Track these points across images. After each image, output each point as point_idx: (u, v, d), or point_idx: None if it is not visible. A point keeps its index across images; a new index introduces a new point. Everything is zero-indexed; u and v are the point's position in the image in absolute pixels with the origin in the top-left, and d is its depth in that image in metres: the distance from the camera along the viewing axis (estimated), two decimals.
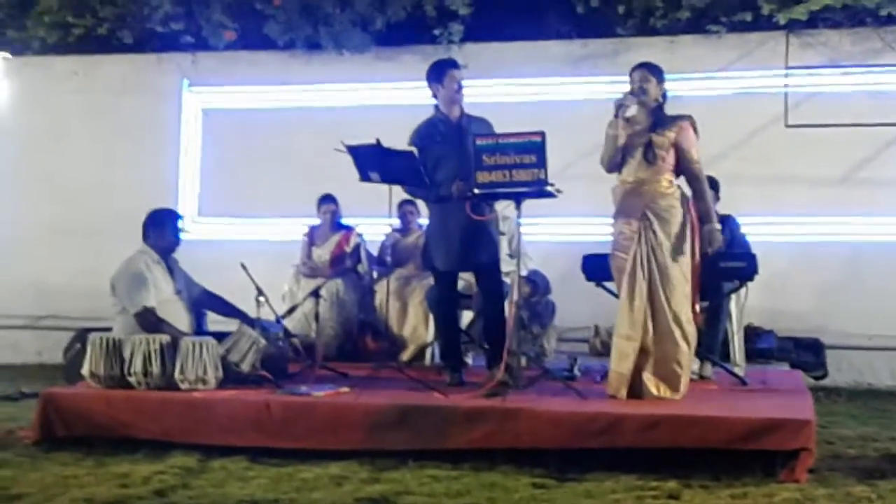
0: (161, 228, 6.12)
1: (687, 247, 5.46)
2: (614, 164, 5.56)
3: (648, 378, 5.39)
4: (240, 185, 9.15)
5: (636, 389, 5.39)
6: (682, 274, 5.42)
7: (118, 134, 9.42)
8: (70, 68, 9.64)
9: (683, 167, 5.52)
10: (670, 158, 5.49)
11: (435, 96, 6.05)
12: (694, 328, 5.48)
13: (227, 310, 6.22)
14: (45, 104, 9.65)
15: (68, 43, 9.68)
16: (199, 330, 6.10)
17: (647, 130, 5.50)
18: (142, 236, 6.10)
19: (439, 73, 6.01)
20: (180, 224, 6.23)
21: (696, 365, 6.20)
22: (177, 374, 5.50)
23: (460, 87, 5.99)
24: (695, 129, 5.56)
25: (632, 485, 4.55)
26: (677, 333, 5.37)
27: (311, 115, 9.09)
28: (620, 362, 5.41)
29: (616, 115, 5.46)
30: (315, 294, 6.68)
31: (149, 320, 5.80)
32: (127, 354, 5.56)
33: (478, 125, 5.96)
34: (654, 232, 5.40)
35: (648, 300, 5.38)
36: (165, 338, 5.59)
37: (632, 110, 5.50)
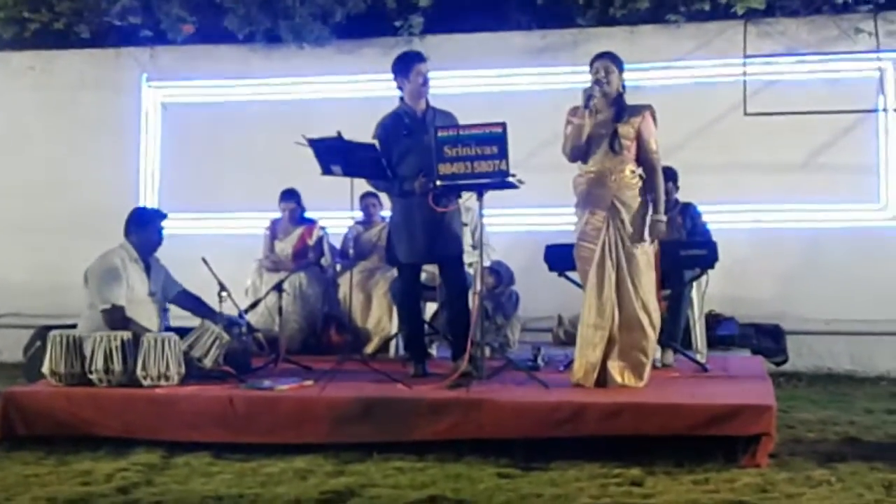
0: (144, 227, 6.09)
1: (648, 235, 5.51)
2: (579, 153, 5.55)
3: (613, 366, 5.42)
4: (201, 179, 9.08)
5: (601, 378, 5.42)
6: (648, 262, 5.48)
7: (76, 129, 9.33)
8: (26, 64, 9.53)
9: (642, 157, 5.55)
10: (634, 148, 5.52)
11: (400, 88, 6.04)
12: (659, 316, 5.54)
13: (201, 309, 6.16)
14: (2, 100, 9.53)
15: (24, 38, 9.56)
16: (164, 327, 6.06)
17: (612, 120, 5.52)
18: (123, 232, 6.06)
19: (405, 66, 5.99)
20: (164, 224, 6.18)
21: (657, 353, 6.25)
22: (139, 371, 5.47)
23: (426, 82, 5.98)
24: (654, 119, 5.59)
25: (595, 472, 4.58)
26: (645, 321, 5.42)
27: (271, 109, 9.04)
28: (588, 351, 5.44)
29: (586, 106, 5.44)
30: (278, 288, 6.67)
31: (115, 318, 5.75)
32: (88, 352, 5.51)
33: (443, 118, 5.95)
34: (622, 221, 5.43)
35: (616, 289, 5.42)
36: (127, 334, 5.54)
37: (595, 100, 5.51)
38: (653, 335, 5.47)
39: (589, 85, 5.49)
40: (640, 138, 5.52)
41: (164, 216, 6.27)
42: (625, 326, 5.43)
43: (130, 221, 6.10)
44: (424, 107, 6.02)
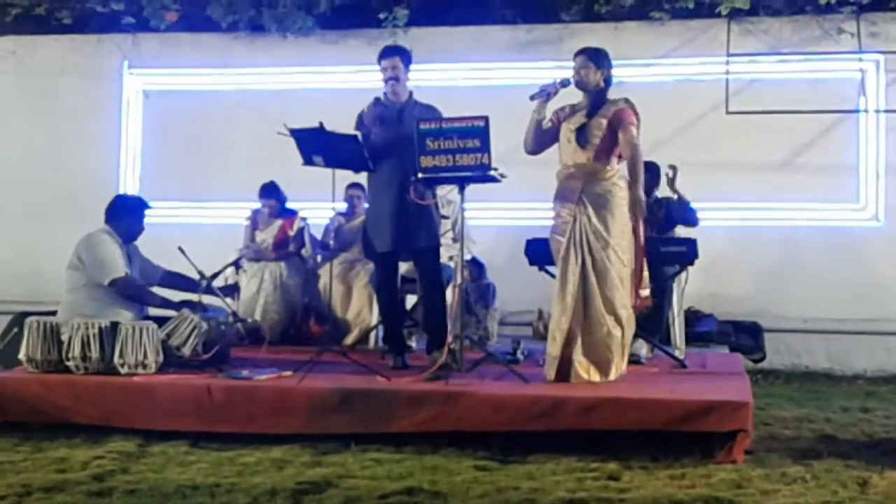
0: (129, 215, 6.07)
1: (628, 230, 5.51)
2: (533, 146, 5.67)
3: (579, 361, 5.42)
4: (182, 167, 9.05)
5: (563, 371, 5.43)
6: (618, 258, 5.45)
7: (57, 115, 9.28)
8: (8, 48, 9.49)
9: (622, 147, 5.54)
10: (604, 141, 5.52)
11: None
12: (630, 313, 5.52)
13: (188, 285, 6.15)
14: None
15: (6, 23, 9.52)
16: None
17: (586, 115, 5.55)
18: (105, 218, 6.04)
19: (378, 60, 6.01)
20: (147, 214, 6.18)
21: (644, 349, 6.28)
22: (116, 359, 5.44)
23: (391, 79, 5.96)
24: (634, 112, 5.57)
25: (573, 466, 4.59)
26: (609, 319, 5.41)
27: (254, 99, 9.02)
28: (550, 344, 5.48)
29: (533, 97, 5.55)
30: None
31: (129, 286, 5.81)
32: (65, 338, 5.49)
33: (423, 111, 5.94)
34: (588, 217, 5.44)
35: (581, 284, 5.42)
36: (104, 322, 5.51)
37: (548, 94, 5.56)
38: (619, 332, 5.44)
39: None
40: (613, 130, 5.51)
41: (147, 206, 6.25)
42: (589, 323, 5.43)
43: (115, 207, 6.08)
44: (404, 100, 6.01)
